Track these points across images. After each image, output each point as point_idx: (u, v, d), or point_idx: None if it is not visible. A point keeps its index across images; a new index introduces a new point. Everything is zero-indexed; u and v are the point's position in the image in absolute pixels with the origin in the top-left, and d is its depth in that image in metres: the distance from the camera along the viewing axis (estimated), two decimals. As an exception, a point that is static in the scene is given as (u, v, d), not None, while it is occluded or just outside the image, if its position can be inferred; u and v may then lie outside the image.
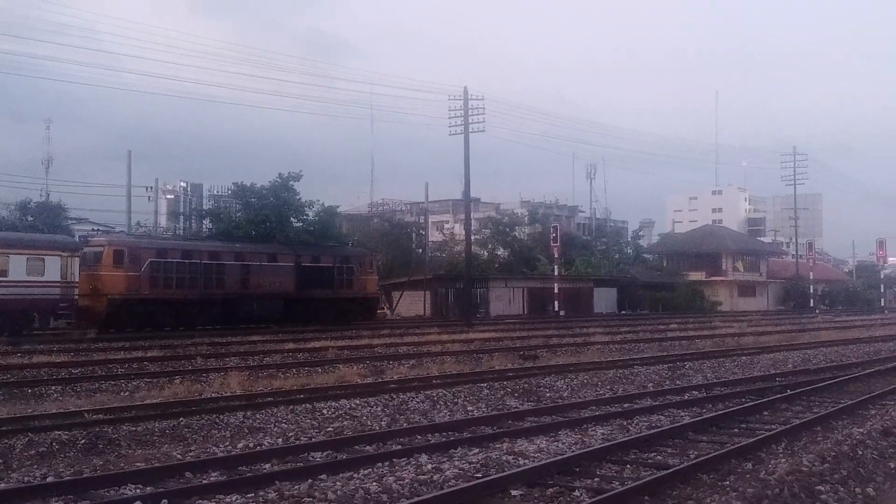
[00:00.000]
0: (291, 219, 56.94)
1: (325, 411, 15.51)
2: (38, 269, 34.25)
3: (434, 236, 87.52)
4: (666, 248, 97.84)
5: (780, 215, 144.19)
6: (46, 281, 34.41)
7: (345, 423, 14.44)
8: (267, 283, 43.01)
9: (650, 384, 20.40)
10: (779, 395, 17.17)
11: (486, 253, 79.54)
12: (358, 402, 16.50)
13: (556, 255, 61.47)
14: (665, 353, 28.90)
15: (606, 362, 24.98)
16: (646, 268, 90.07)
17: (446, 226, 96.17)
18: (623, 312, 73.68)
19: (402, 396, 17.25)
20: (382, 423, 14.49)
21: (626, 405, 16.44)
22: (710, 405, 16.53)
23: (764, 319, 60.50)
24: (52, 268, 34.62)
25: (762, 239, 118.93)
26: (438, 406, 16.52)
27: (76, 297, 35.79)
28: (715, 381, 20.88)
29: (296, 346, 30.05)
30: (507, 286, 66.27)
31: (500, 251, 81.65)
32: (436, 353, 27.46)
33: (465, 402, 16.99)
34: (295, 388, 18.44)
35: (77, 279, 35.70)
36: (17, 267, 33.75)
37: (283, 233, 53.24)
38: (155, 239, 42.62)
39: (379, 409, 16.00)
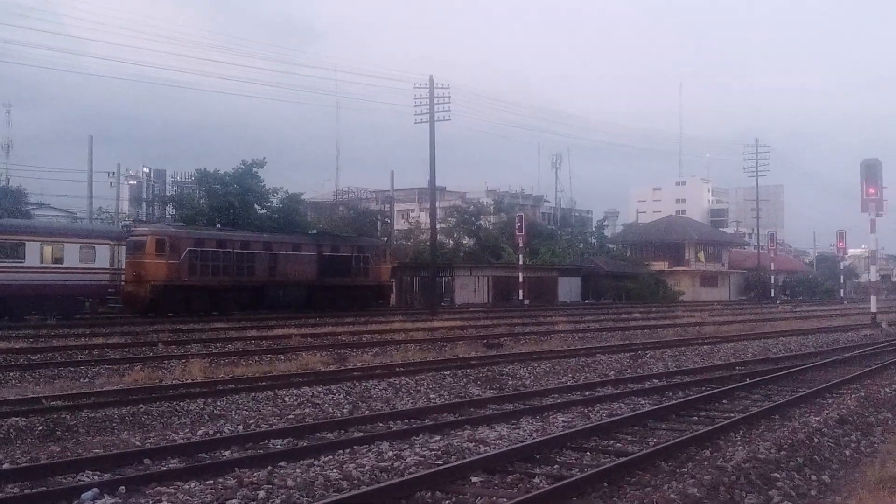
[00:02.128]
0: (255, 206, 56.63)
1: (286, 399, 15.46)
2: (89, 257, 36.20)
3: (399, 224, 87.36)
4: (630, 238, 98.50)
5: (743, 206, 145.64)
6: (97, 268, 36.41)
7: (306, 410, 14.42)
8: (292, 272, 45.45)
9: (612, 372, 20.56)
10: (738, 384, 17.38)
11: (451, 242, 79.50)
12: (320, 389, 16.46)
13: (521, 245, 61.63)
14: (627, 342, 29.12)
15: (569, 350, 25.12)
16: (610, 257, 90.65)
17: (412, 214, 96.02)
18: (587, 301, 74.09)
19: (364, 384, 17.23)
20: (344, 410, 14.48)
21: (587, 393, 16.55)
22: (671, 393, 16.70)
23: (725, 309, 61.17)
24: (102, 255, 36.61)
25: (725, 230, 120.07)
26: (401, 394, 16.53)
27: (123, 283, 37.92)
28: (676, 369, 21.07)
29: (259, 333, 29.93)
30: (472, 275, 66.42)
31: (466, 240, 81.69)
32: (399, 341, 27.48)
33: (428, 390, 17.03)
34: (257, 375, 18.37)
35: (123, 266, 37.79)
36: (71, 254, 35.67)
37: (246, 220, 52.90)
38: (193, 229, 44.62)
39: (341, 396, 15.98)
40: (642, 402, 15.52)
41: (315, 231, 53.51)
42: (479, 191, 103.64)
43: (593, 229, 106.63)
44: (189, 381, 17.33)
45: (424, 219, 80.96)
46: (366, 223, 75.76)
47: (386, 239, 67.68)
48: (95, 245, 36.53)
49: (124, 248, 37.91)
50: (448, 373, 19.24)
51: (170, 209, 64.26)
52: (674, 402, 15.00)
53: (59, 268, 35.15)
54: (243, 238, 44.22)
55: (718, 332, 35.14)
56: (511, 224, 74.68)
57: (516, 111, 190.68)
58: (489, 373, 19.59)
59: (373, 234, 71.96)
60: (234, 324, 34.73)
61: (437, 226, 64.56)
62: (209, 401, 14.83)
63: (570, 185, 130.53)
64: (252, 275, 43.48)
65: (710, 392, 16.08)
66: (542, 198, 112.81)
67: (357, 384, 17.22)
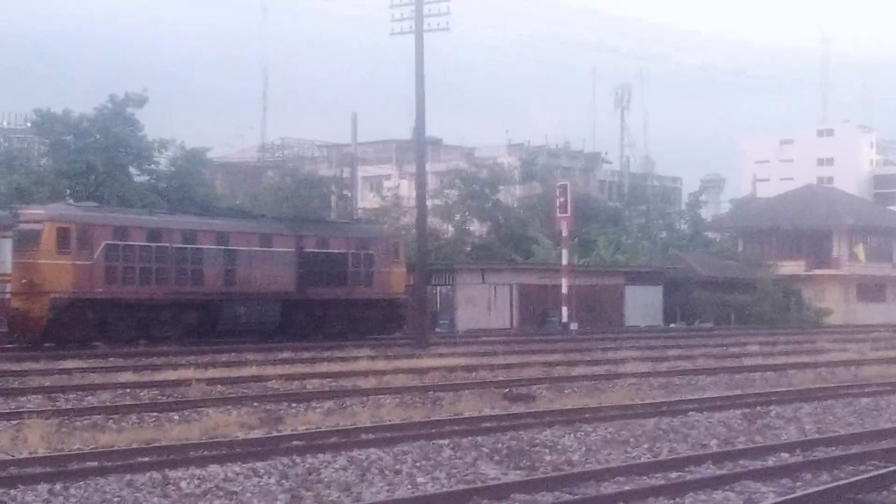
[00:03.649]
0: (131, 169, 56.69)
1: (183, 484, 15.48)
2: None
3: (367, 200, 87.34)
4: (742, 223, 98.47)
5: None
6: None
7: (216, 503, 14.45)
8: (259, 279, 47.38)
9: (713, 441, 20.64)
10: (919, 461, 17.42)
11: (451, 228, 79.54)
12: (238, 469, 16.50)
13: (564, 233, 61.65)
14: (738, 393, 29.19)
15: (644, 406, 25.21)
16: (710, 254, 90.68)
17: (387, 183, 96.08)
18: (673, 326, 74.08)
19: (310, 460, 17.30)
20: (277, 503, 14.52)
21: (673, 475, 16.59)
22: (809, 476, 16.73)
23: (899, 338, 61.13)
24: None
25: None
26: (370, 476, 16.55)
27: (8, 295, 39.06)
28: (818, 436, 21.13)
29: (136, 377, 29.99)
30: (485, 282, 66.41)
31: (476, 225, 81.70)
32: (367, 391, 27.53)
33: (414, 470, 17.04)
34: (135, 445, 18.41)
35: (9, 270, 39.11)
36: None
37: (117, 190, 53.00)
38: (110, 211, 46.39)
39: (272, 480, 16.00)
40: (763, 489, 15.55)
41: (286, 216, 54.10)
42: (497, 146, 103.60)
43: (683, 208, 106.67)
44: (24, 455, 17.33)
45: (407, 191, 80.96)
46: (311, 197, 75.86)
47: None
48: None
49: (9, 241, 39.17)
50: (446, 442, 19.30)
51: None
52: (814, 489, 15.04)
53: None
54: (186, 226, 45.81)
55: (886, 375, 35.24)
56: (548, 199, 74.66)
57: (559, 17, 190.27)
58: (513, 443, 19.62)
59: (323, 214, 72.18)
60: (98, 362, 34.69)
61: (430, 201, 64.57)
62: (58, 488, 14.84)
63: (644, 137, 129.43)
64: (200, 283, 45.58)
65: (873, 474, 16.11)
66: (600, 156, 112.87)
67: (298, 460, 17.26)
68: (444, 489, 15.39)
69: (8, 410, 22.69)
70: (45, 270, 40.36)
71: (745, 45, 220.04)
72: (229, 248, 46.64)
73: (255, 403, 24.68)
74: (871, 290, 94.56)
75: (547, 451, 19.18)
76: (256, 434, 20.08)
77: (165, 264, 44.19)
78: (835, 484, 15.46)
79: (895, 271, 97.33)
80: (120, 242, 42.80)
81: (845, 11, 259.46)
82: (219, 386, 28.32)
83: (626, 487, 15.42)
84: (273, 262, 48.07)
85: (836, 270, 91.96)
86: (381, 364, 35.19)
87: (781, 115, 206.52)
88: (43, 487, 14.83)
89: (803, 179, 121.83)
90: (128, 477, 15.65)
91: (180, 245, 44.82)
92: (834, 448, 19.63)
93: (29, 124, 64.73)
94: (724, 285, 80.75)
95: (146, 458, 17.16)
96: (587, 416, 23.15)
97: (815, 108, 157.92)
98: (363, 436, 19.85)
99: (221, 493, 15.10)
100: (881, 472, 16.38)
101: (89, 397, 25.77)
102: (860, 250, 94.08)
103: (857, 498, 14.70)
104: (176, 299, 44.56)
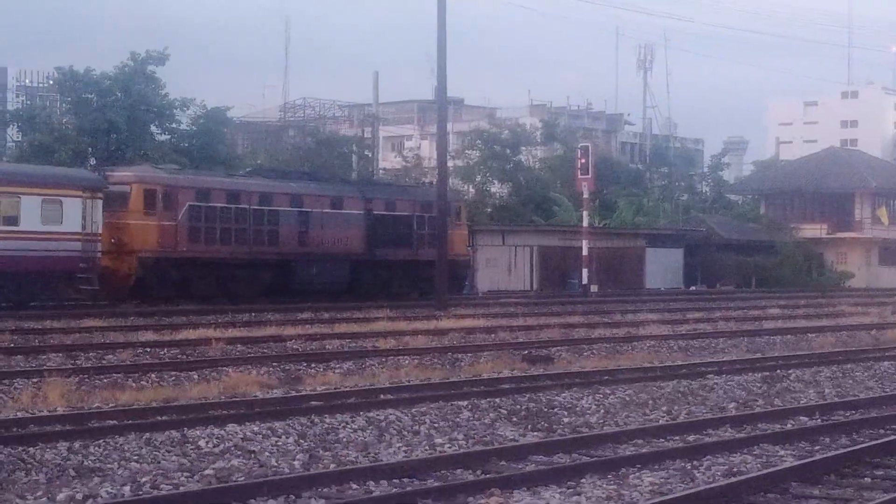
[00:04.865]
0: (152, 127, 56.68)
1: (202, 443, 15.56)
2: (55, 216, 38.33)
3: (388, 160, 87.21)
4: (765, 186, 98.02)
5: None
6: (64, 232, 38.56)
7: (234, 462, 14.51)
8: (331, 240, 49.54)
9: (732, 405, 20.69)
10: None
11: (472, 189, 79.36)
12: (257, 428, 16.56)
13: (585, 195, 61.52)
14: (758, 356, 29.21)
15: (663, 369, 25.24)
16: (731, 217, 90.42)
17: (408, 144, 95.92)
18: (693, 288, 73.92)
19: (328, 420, 17.34)
20: (295, 463, 14.57)
21: (691, 438, 16.61)
22: (828, 439, 16.73)
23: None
24: (72, 213, 38.67)
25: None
26: (387, 436, 16.62)
27: (99, 254, 40.11)
28: (837, 400, 21.15)
29: (157, 336, 30.05)
30: (505, 244, 66.38)
31: (497, 186, 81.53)
32: (386, 352, 27.59)
33: (432, 431, 17.11)
34: (154, 404, 18.49)
35: (100, 230, 40.11)
36: (31, 212, 37.64)
37: (138, 149, 52.99)
38: (192, 173, 48.37)
39: (291, 440, 16.07)
40: (781, 453, 15.57)
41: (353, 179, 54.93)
42: (519, 106, 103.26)
43: (705, 170, 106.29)
44: (44, 412, 17.41)
45: (428, 151, 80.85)
46: (333, 157, 75.74)
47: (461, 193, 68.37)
48: (62, 198, 38.38)
49: (101, 202, 39.78)
50: (465, 403, 19.33)
51: (11, 132, 64.35)
52: (833, 453, 15.05)
53: (13, 232, 37.07)
54: (263, 188, 47.59)
55: (908, 339, 35.22)
56: (569, 161, 74.49)
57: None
58: (532, 404, 19.68)
59: (345, 174, 72.21)
60: (118, 321, 34.84)
61: (451, 162, 64.53)
62: (78, 446, 14.92)
63: (667, 99, 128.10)
64: (276, 243, 47.37)
65: (892, 439, 16.09)
66: (622, 118, 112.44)
67: (317, 420, 17.31)
68: (462, 450, 15.45)
69: (29, 368, 22.80)
70: (132, 230, 42.10)
71: (771, 4, 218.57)
72: (303, 209, 48.16)
73: (275, 363, 24.76)
74: (893, 253, 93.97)
75: (565, 413, 19.25)
76: (275, 394, 20.15)
77: (244, 225, 45.71)
78: (854, 448, 15.45)
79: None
80: (202, 204, 44.37)
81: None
82: (238, 345, 28.38)
83: (645, 449, 15.46)
84: (343, 224, 49.69)
85: (858, 233, 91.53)
86: (400, 325, 35.22)
87: (806, 77, 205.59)
88: (62, 445, 14.90)
89: (827, 142, 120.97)
90: (147, 435, 15.73)
91: (257, 206, 46.34)
92: (853, 412, 19.65)
93: (51, 82, 64.78)
94: (745, 248, 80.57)
95: (165, 417, 17.25)
96: (606, 378, 23.18)
97: (839, 69, 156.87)
98: (382, 396, 19.93)
99: (240, 453, 15.18)
100: (900, 436, 16.39)
101: (109, 356, 25.85)
102: (883, 213, 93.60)
103: (876, 462, 14.69)
104: (253, 259, 46.32)
